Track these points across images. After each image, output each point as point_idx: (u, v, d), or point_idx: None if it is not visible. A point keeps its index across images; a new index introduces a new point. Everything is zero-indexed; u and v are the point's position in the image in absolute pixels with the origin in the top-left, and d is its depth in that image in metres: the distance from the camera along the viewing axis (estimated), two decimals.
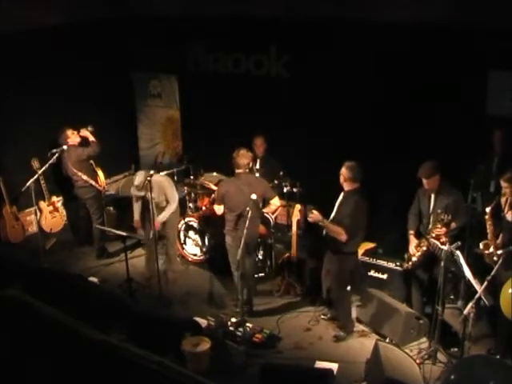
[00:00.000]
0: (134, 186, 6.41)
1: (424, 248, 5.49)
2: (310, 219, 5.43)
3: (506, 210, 5.23)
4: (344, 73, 6.97)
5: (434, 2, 6.12)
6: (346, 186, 5.47)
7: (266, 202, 6.11)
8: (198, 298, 6.56)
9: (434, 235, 5.34)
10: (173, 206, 6.58)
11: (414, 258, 5.60)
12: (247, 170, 5.91)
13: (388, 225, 6.48)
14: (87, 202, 7.37)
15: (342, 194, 5.55)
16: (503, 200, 5.27)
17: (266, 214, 6.74)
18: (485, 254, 5.22)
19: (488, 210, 5.20)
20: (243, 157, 5.83)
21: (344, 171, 5.42)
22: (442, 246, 5.07)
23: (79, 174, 7.15)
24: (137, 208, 6.71)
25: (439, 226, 5.31)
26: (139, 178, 6.34)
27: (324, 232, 5.53)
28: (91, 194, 7.34)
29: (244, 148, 5.94)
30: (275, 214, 6.99)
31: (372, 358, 5.12)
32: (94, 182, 7.34)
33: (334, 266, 5.61)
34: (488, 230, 5.24)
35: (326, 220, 5.41)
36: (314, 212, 5.40)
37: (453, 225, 5.39)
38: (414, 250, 5.61)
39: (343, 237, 5.34)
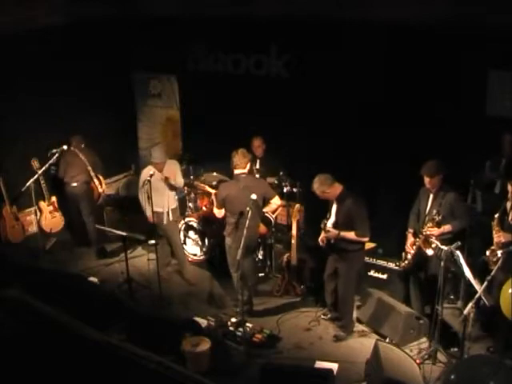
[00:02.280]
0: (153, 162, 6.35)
1: (417, 245, 5.50)
2: (327, 236, 5.51)
3: (510, 215, 5.22)
4: (344, 73, 6.97)
5: (434, 1, 6.12)
6: (334, 194, 5.46)
7: (266, 202, 6.11)
8: (198, 297, 6.57)
9: (425, 234, 5.36)
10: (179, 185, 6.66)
11: (409, 256, 5.61)
12: (246, 171, 5.89)
13: (388, 225, 6.48)
14: (81, 197, 7.40)
15: (334, 202, 5.54)
16: (509, 205, 5.27)
17: (266, 214, 6.74)
18: (490, 261, 5.21)
19: (496, 216, 5.22)
20: (242, 156, 5.82)
21: (321, 186, 5.37)
22: (442, 246, 5.07)
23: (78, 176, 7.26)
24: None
25: (430, 225, 5.34)
26: (158, 152, 6.40)
27: (332, 240, 5.56)
28: (83, 190, 7.40)
29: (243, 148, 5.95)
30: (276, 214, 6.99)
31: (372, 357, 5.12)
32: (96, 180, 7.39)
33: (343, 265, 5.61)
34: (494, 237, 5.24)
35: (341, 231, 5.44)
36: (331, 229, 5.46)
37: (447, 227, 5.36)
38: (410, 247, 5.62)
39: (365, 239, 5.47)
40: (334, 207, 5.56)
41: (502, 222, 5.27)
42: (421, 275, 5.68)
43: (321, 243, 5.63)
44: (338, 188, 5.45)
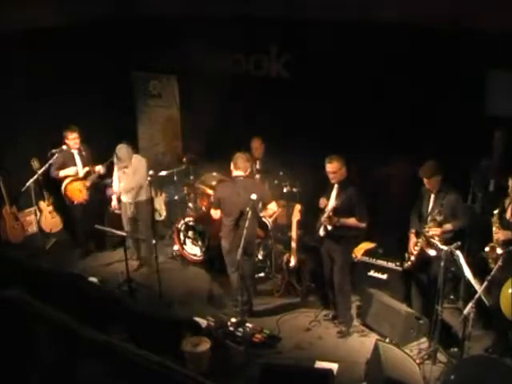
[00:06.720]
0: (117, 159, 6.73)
1: (419, 246, 5.51)
2: (326, 222, 5.57)
3: (509, 212, 5.23)
4: (344, 73, 6.97)
5: (434, 1, 6.12)
6: (338, 178, 5.55)
7: (263, 206, 6.10)
8: (197, 297, 6.57)
9: (427, 235, 5.37)
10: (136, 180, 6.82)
11: (412, 257, 5.61)
12: (246, 174, 5.89)
13: (388, 225, 6.48)
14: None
15: (335, 187, 5.61)
16: (507, 201, 5.27)
17: (263, 218, 6.73)
18: (490, 258, 5.21)
19: (495, 212, 5.22)
20: (243, 159, 5.84)
21: (332, 165, 5.51)
22: (442, 246, 5.07)
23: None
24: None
25: (431, 225, 5.35)
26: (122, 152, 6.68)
27: (330, 228, 5.60)
28: None
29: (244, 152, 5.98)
30: (272, 218, 6.98)
31: (372, 357, 5.12)
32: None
33: (338, 253, 5.67)
34: (494, 233, 5.23)
35: (341, 219, 5.52)
36: (332, 216, 5.52)
37: (448, 226, 5.37)
38: (412, 248, 5.63)
39: (364, 224, 5.54)
40: (334, 193, 5.61)
41: (501, 219, 5.28)
42: (422, 276, 5.68)
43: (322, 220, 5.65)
44: (344, 173, 5.57)
